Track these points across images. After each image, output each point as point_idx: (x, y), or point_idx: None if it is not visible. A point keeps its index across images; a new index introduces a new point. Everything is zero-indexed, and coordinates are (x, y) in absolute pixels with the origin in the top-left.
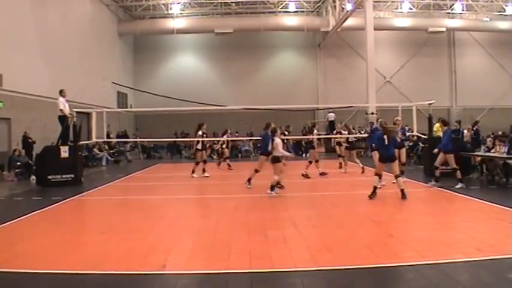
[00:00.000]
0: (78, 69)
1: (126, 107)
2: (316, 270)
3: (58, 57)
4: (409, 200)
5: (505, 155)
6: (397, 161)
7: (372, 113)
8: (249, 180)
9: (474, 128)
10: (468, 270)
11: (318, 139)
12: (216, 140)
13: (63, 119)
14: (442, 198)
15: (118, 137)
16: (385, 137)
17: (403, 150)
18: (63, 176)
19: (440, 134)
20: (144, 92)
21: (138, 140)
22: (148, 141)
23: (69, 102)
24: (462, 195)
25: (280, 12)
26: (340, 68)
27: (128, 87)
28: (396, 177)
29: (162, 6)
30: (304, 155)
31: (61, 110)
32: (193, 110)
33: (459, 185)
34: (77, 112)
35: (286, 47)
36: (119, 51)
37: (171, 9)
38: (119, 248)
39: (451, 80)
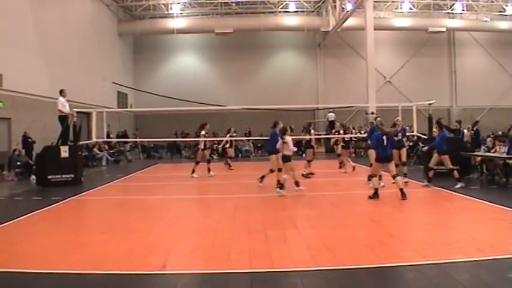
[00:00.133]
0: (78, 69)
1: (126, 107)
2: (316, 270)
3: (58, 57)
4: (409, 200)
5: (505, 155)
6: (393, 162)
7: (372, 113)
8: (262, 178)
9: (474, 128)
10: (468, 270)
11: (318, 139)
12: (217, 140)
13: (63, 119)
14: (442, 198)
15: (118, 137)
16: (384, 137)
17: (404, 150)
18: (63, 176)
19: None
20: (144, 92)
21: (138, 140)
22: (148, 141)
23: (70, 102)
24: (462, 195)
25: (280, 12)
26: (340, 68)
27: (128, 87)
28: (394, 177)
29: (162, 6)
30: (303, 154)
31: (59, 110)
32: (193, 110)
33: (459, 185)
34: (77, 112)
35: (286, 47)
36: (119, 51)
37: (171, 9)
38: (119, 248)
39: (451, 80)
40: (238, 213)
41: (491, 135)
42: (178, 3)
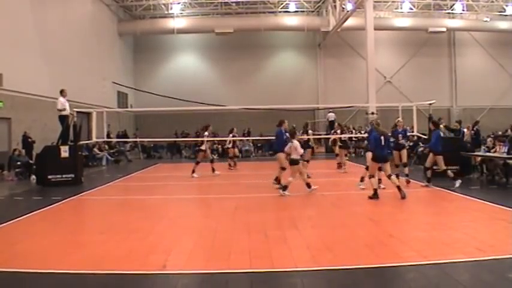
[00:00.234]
0: (79, 69)
1: (127, 107)
2: (316, 270)
3: (58, 57)
4: (409, 200)
5: (505, 155)
6: (389, 162)
7: (372, 113)
8: (277, 179)
9: (474, 128)
10: (468, 270)
11: (319, 139)
12: (217, 140)
13: (63, 118)
14: (442, 198)
15: (118, 136)
16: (382, 137)
17: (404, 151)
18: (63, 176)
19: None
20: (145, 92)
21: (138, 139)
22: (148, 141)
23: (70, 102)
24: (462, 195)
25: (280, 12)
26: (340, 68)
27: (128, 87)
28: (389, 176)
29: (163, 6)
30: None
31: (59, 110)
32: (193, 110)
33: (457, 183)
34: (77, 112)
35: (286, 47)
36: (119, 51)
37: (171, 9)
38: (119, 248)
39: (451, 80)
40: (239, 213)
41: (491, 135)
42: (179, 3)
